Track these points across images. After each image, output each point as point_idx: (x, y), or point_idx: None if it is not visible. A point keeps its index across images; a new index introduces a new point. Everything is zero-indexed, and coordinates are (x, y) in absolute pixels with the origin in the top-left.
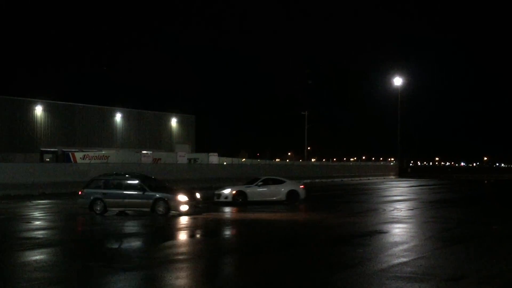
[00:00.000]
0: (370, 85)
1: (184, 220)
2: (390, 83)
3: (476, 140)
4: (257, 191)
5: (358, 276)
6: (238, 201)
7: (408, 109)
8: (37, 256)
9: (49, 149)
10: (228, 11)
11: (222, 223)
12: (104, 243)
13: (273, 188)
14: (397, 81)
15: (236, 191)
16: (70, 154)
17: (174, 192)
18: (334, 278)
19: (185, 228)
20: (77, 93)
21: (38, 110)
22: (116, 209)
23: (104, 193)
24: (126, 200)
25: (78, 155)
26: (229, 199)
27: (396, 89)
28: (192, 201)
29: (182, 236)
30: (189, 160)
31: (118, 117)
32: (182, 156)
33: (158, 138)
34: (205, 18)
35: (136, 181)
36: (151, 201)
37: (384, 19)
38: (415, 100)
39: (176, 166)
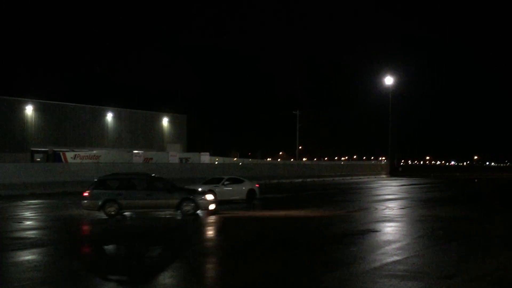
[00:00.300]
0: (369, 84)
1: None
2: (386, 83)
3: (467, 139)
4: (224, 190)
5: (352, 275)
6: None
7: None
8: (34, 255)
9: (39, 149)
10: (228, 11)
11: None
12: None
13: (235, 187)
14: (388, 80)
15: (209, 191)
16: (61, 154)
17: (197, 191)
18: (327, 276)
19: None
20: (75, 94)
21: (29, 110)
22: (131, 211)
23: (119, 194)
24: (147, 201)
25: (69, 155)
26: None
27: (393, 89)
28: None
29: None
30: (181, 159)
31: (109, 116)
32: (174, 155)
33: (150, 138)
34: (205, 18)
35: (161, 181)
36: (176, 201)
37: (384, 19)
38: (413, 100)
39: (168, 165)
